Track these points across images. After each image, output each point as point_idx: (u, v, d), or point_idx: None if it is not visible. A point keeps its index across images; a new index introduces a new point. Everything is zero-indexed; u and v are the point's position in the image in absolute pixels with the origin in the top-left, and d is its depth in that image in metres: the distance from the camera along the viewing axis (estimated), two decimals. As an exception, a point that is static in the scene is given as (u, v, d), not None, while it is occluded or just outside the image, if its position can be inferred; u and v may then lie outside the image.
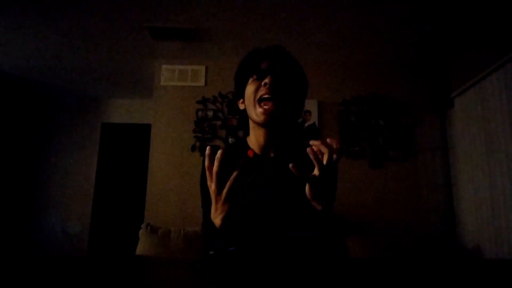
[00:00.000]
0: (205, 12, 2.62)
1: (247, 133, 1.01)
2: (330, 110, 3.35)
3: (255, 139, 0.97)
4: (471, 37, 2.88)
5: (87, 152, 4.47)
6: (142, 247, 2.75)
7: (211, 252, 0.68)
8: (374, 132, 3.30)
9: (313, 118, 3.31)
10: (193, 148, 3.27)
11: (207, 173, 0.74)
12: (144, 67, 3.60)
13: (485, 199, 2.72)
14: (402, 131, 3.30)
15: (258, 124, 0.92)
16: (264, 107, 0.89)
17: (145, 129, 3.57)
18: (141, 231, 2.85)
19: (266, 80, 0.90)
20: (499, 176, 2.56)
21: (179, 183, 3.20)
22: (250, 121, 0.97)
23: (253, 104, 0.91)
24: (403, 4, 2.49)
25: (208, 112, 3.33)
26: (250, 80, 0.95)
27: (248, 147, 0.98)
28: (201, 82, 3.41)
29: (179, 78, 3.42)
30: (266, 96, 0.89)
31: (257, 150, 0.96)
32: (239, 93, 1.00)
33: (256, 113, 0.91)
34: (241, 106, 1.00)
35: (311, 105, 3.33)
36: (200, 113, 3.34)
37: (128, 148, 4.52)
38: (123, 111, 4.59)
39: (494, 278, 2.30)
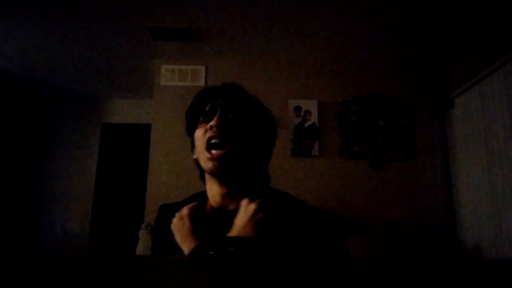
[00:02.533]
0: (205, 12, 2.62)
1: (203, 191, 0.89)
2: (330, 110, 3.35)
3: (211, 193, 0.84)
4: (471, 37, 2.88)
5: (87, 152, 4.47)
6: (142, 247, 2.76)
7: (211, 252, 0.68)
8: (374, 132, 3.30)
9: (313, 118, 3.31)
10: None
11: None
12: (144, 67, 3.60)
13: (485, 199, 2.72)
14: (402, 131, 3.29)
15: (208, 173, 0.81)
16: (212, 152, 0.77)
17: (145, 129, 3.56)
18: (141, 231, 2.85)
19: (212, 123, 0.78)
20: (499, 176, 2.56)
21: (179, 183, 3.20)
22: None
23: (202, 150, 0.80)
24: (403, 4, 2.49)
25: (208, 112, 3.33)
26: (199, 123, 0.84)
27: (207, 199, 0.86)
28: (201, 82, 3.41)
29: (179, 78, 3.42)
30: (215, 141, 0.78)
31: (214, 204, 0.84)
32: (192, 141, 0.88)
33: (204, 159, 0.79)
34: (195, 156, 0.87)
35: (311, 105, 3.33)
36: (200, 113, 3.33)
37: (128, 148, 4.52)
38: (123, 111, 4.59)
39: (494, 278, 2.30)
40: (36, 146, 4.47)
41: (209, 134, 0.78)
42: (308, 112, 3.32)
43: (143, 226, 2.89)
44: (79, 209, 4.30)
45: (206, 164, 0.79)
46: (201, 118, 0.83)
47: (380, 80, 3.41)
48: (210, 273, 0.67)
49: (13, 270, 3.73)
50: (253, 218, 0.71)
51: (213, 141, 0.78)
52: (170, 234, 0.78)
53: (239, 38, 3.03)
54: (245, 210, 0.72)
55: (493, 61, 2.60)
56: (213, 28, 2.87)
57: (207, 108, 0.82)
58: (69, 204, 4.32)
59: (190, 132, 0.87)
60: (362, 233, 3.07)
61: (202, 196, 0.88)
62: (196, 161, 0.87)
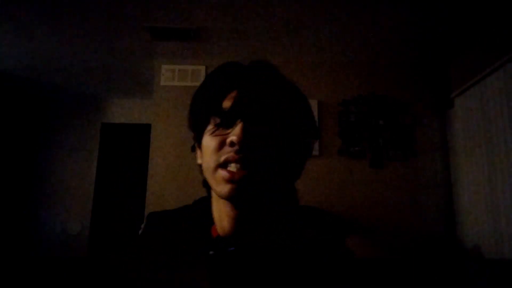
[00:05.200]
0: (205, 12, 2.62)
1: (208, 199, 0.67)
2: (330, 110, 3.35)
3: (218, 215, 0.63)
4: (471, 37, 2.88)
5: (87, 152, 4.47)
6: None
7: (211, 252, 0.68)
8: (374, 132, 3.30)
9: (313, 118, 3.31)
10: (193, 148, 3.26)
11: None
12: (144, 67, 3.60)
13: (485, 199, 2.72)
14: (402, 131, 3.29)
15: (220, 197, 0.58)
16: (230, 170, 0.55)
17: (145, 129, 3.57)
18: (141, 231, 2.86)
19: (233, 138, 0.54)
20: (499, 176, 2.56)
21: (179, 183, 3.20)
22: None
23: (213, 166, 0.57)
24: (403, 4, 2.49)
25: (208, 112, 3.33)
26: (211, 122, 0.60)
27: (211, 221, 0.64)
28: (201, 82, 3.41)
29: (179, 78, 3.42)
30: (235, 164, 0.55)
31: (220, 231, 0.62)
32: (197, 138, 0.65)
33: (216, 179, 0.57)
34: (199, 160, 0.65)
35: (311, 105, 3.34)
36: (200, 113, 3.33)
37: (128, 148, 4.53)
38: (123, 111, 4.59)
39: (494, 278, 2.31)
40: (36, 146, 4.47)
41: (228, 154, 0.55)
42: (308, 112, 3.32)
43: (143, 226, 2.89)
44: (79, 209, 4.30)
45: (220, 187, 0.56)
46: (216, 118, 0.59)
47: (380, 80, 3.41)
48: (210, 273, 0.67)
49: (13, 270, 3.73)
50: None
51: (232, 164, 0.55)
52: (158, 248, 0.63)
53: (239, 38, 3.03)
54: None
55: (493, 61, 2.60)
56: (213, 28, 2.87)
57: (224, 105, 0.58)
58: (69, 204, 4.33)
59: (196, 129, 0.65)
60: (362, 233, 3.07)
61: (205, 210, 0.66)
62: (200, 167, 0.66)
